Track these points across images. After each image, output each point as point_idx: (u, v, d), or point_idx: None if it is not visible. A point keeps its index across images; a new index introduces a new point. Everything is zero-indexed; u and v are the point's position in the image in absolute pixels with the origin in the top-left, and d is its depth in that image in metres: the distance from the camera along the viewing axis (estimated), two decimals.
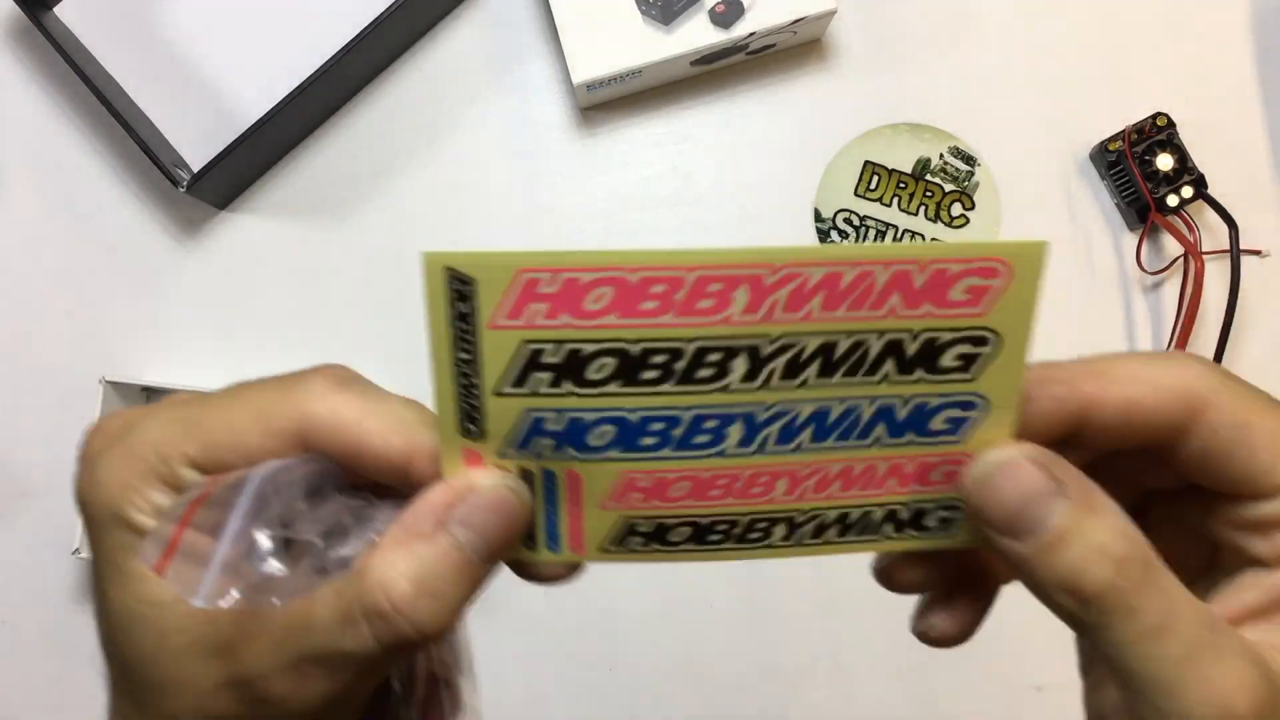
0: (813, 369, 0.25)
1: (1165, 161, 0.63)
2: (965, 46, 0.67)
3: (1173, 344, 0.63)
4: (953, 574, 0.29)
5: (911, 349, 0.25)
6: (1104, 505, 0.24)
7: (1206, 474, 0.25)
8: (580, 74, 0.61)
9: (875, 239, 0.65)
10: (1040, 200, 0.66)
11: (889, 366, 0.25)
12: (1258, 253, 0.65)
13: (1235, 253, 0.61)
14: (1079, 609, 0.24)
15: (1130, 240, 0.66)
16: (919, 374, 0.26)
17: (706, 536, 0.27)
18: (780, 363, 0.25)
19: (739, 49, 0.63)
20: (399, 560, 0.24)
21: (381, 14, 0.61)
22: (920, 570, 0.29)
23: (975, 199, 0.66)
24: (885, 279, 0.24)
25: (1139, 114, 0.64)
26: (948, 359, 0.26)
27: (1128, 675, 0.24)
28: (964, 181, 0.66)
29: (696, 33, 0.61)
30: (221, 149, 0.60)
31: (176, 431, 0.25)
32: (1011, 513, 0.24)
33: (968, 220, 0.66)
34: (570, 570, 0.28)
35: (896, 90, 0.66)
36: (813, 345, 0.25)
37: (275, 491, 0.25)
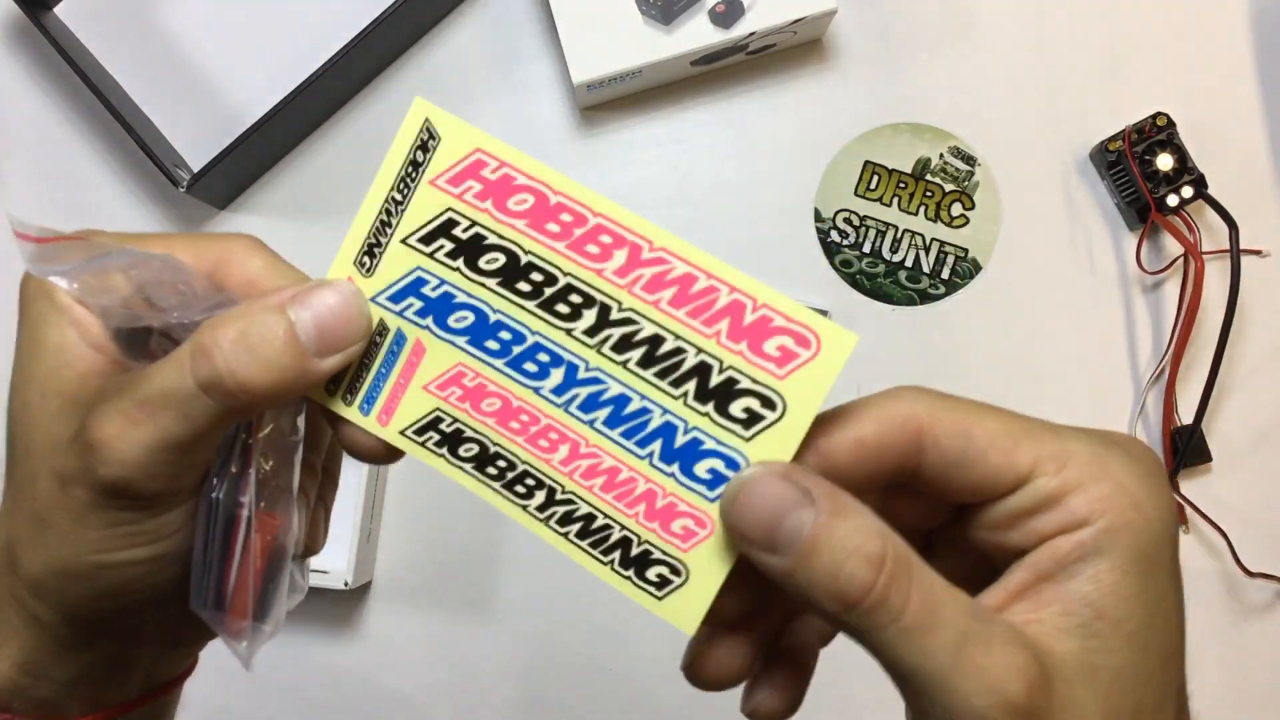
0: (637, 353, 0.28)
1: (1165, 161, 0.63)
2: (965, 46, 0.67)
3: (1173, 344, 0.63)
4: (765, 650, 0.29)
5: (715, 380, 0.27)
6: (853, 508, 0.24)
7: (950, 489, 0.26)
8: (580, 74, 0.61)
9: (875, 239, 0.65)
10: (1040, 200, 0.66)
11: (691, 385, 0.27)
12: (1258, 253, 0.64)
13: (1235, 253, 0.61)
14: (847, 614, 0.23)
15: (1130, 240, 0.66)
16: (710, 408, 0.27)
17: (487, 466, 0.29)
18: (618, 333, 0.28)
19: (739, 49, 0.63)
20: (234, 320, 0.27)
21: (381, 14, 0.61)
22: (731, 656, 0.28)
23: (975, 199, 0.66)
24: (725, 301, 0.27)
25: (1139, 114, 0.64)
26: (736, 408, 0.27)
27: (905, 675, 0.23)
28: (964, 181, 0.66)
29: (696, 33, 0.61)
30: (221, 149, 0.60)
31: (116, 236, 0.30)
32: (766, 526, 0.25)
33: (968, 220, 0.66)
34: (384, 452, 0.30)
35: (896, 90, 0.66)
36: (647, 331, 0.28)
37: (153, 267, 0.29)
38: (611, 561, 0.29)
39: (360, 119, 0.66)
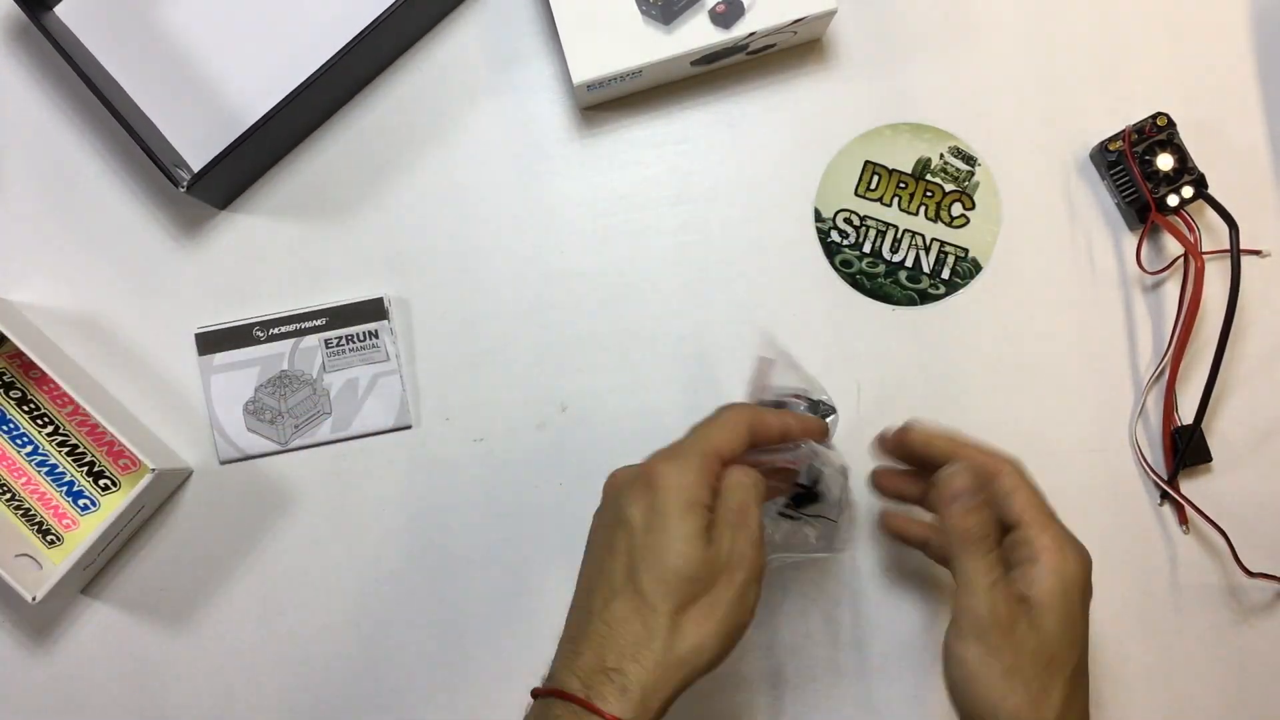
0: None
1: (1165, 161, 0.63)
2: (965, 46, 0.67)
3: (1173, 343, 0.63)
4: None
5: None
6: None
7: (996, 508, 0.51)
8: (580, 74, 0.61)
9: (876, 239, 0.65)
10: (1040, 200, 0.66)
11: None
12: (1258, 253, 0.64)
13: (1235, 253, 0.61)
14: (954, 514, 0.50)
15: (1130, 240, 0.66)
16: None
17: None
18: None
19: (739, 49, 0.63)
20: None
21: (382, 14, 0.61)
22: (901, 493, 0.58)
23: (975, 199, 0.66)
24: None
25: (1139, 114, 0.64)
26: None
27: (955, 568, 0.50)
28: (964, 181, 0.66)
29: (696, 33, 0.61)
30: (221, 149, 0.60)
31: (704, 445, 0.49)
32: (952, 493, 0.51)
33: (968, 220, 0.66)
34: None
35: (896, 90, 0.66)
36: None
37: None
38: None
39: (360, 119, 0.66)
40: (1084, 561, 0.49)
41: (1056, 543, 0.48)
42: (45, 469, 0.64)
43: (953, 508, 0.50)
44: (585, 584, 0.49)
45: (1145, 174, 0.63)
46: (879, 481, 0.59)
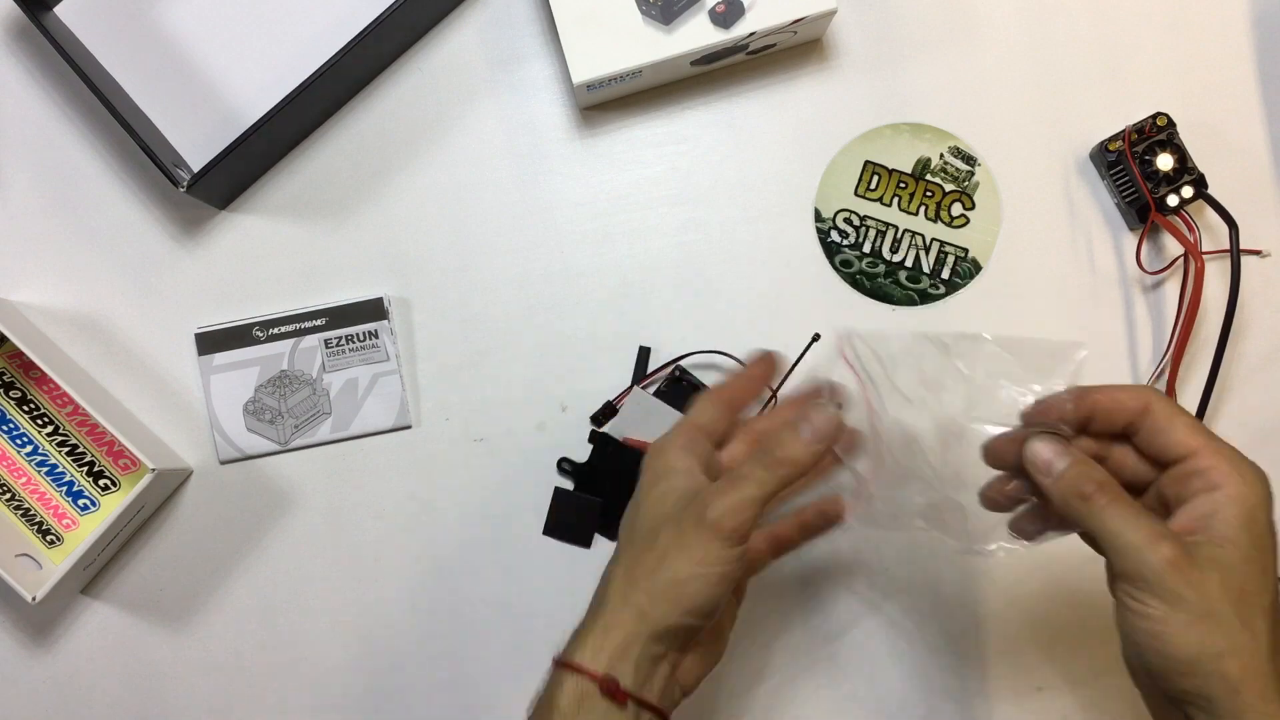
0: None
1: (1165, 161, 0.63)
2: (965, 46, 0.67)
3: (1173, 344, 0.63)
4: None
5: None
6: (1083, 462, 0.45)
7: (1150, 449, 0.45)
8: (580, 74, 0.61)
9: (876, 239, 0.65)
10: (1040, 200, 0.66)
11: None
12: (1258, 253, 0.64)
13: (1235, 253, 0.61)
14: (1078, 507, 0.44)
15: (1130, 240, 0.66)
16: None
17: None
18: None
19: (739, 49, 0.63)
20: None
21: (381, 14, 0.61)
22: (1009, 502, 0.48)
23: (975, 199, 0.66)
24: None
25: (1139, 114, 0.64)
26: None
27: (1109, 543, 0.43)
28: (964, 181, 0.66)
29: (696, 33, 0.61)
30: (221, 149, 0.60)
31: (690, 421, 0.52)
32: (1045, 463, 0.45)
33: (968, 220, 0.66)
34: None
35: (896, 90, 0.66)
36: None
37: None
38: None
39: (360, 119, 0.66)
40: (1265, 482, 0.44)
41: (1235, 467, 0.44)
42: (45, 469, 0.64)
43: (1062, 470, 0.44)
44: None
45: (1145, 174, 0.63)
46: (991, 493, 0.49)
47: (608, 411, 0.64)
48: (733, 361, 0.64)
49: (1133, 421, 0.45)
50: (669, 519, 0.48)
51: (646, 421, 0.63)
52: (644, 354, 0.64)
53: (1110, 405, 0.45)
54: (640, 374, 0.64)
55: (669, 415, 0.63)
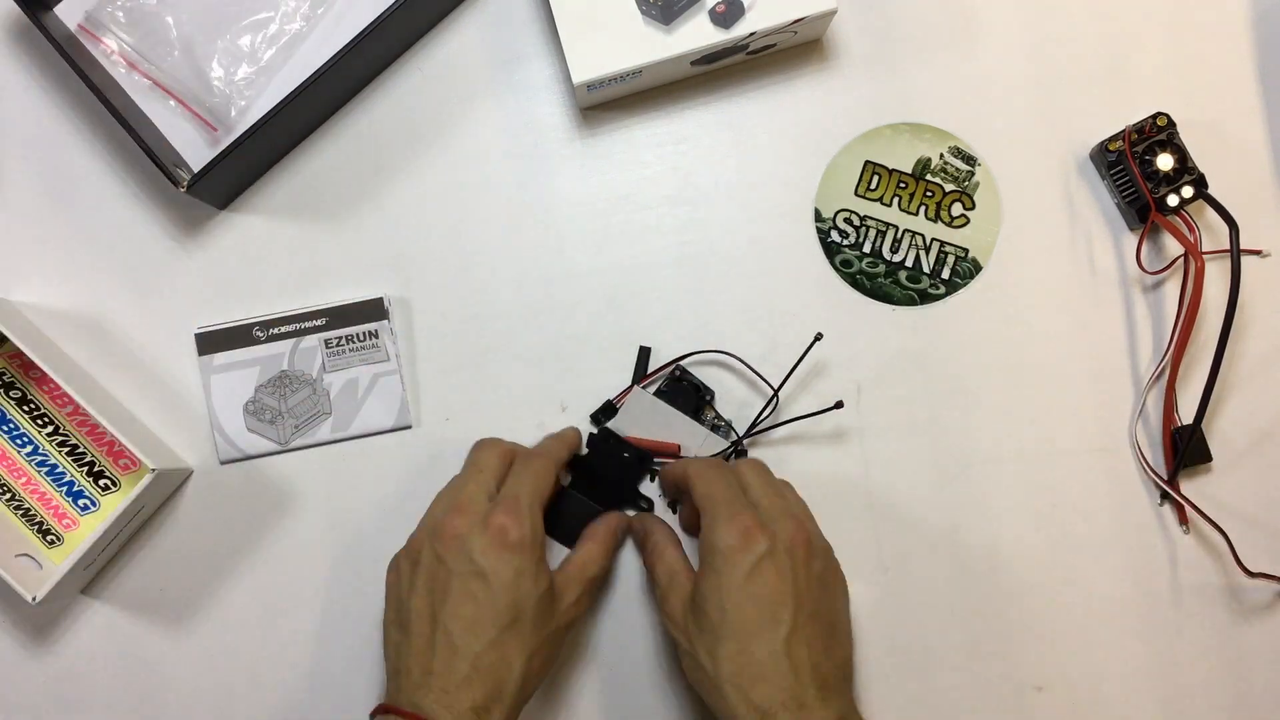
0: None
1: (1165, 161, 0.63)
2: (965, 46, 0.67)
3: (1173, 344, 0.63)
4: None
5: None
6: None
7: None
8: (580, 74, 0.61)
9: (876, 239, 0.65)
10: (1040, 200, 0.66)
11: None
12: (1258, 253, 0.64)
13: (1235, 253, 0.61)
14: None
15: (1130, 240, 0.66)
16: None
17: None
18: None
19: (739, 49, 0.63)
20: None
21: (382, 14, 0.61)
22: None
23: (975, 199, 0.66)
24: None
25: (1139, 114, 0.64)
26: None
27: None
28: (964, 181, 0.66)
29: (696, 33, 0.61)
30: (222, 149, 0.60)
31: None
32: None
33: (968, 220, 0.66)
34: None
35: (896, 90, 0.66)
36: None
37: None
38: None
39: (360, 119, 0.66)
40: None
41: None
42: (45, 469, 0.64)
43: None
44: None
45: (1145, 174, 0.63)
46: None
47: (607, 410, 0.64)
48: (736, 361, 0.64)
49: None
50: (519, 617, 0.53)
51: (646, 421, 0.63)
52: (644, 354, 0.64)
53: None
54: (640, 373, 0.64)
55: (669, 414, 0.63)
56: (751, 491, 0.56)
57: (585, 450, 0.64)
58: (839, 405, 0.62)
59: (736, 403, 0.64)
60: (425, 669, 0.51)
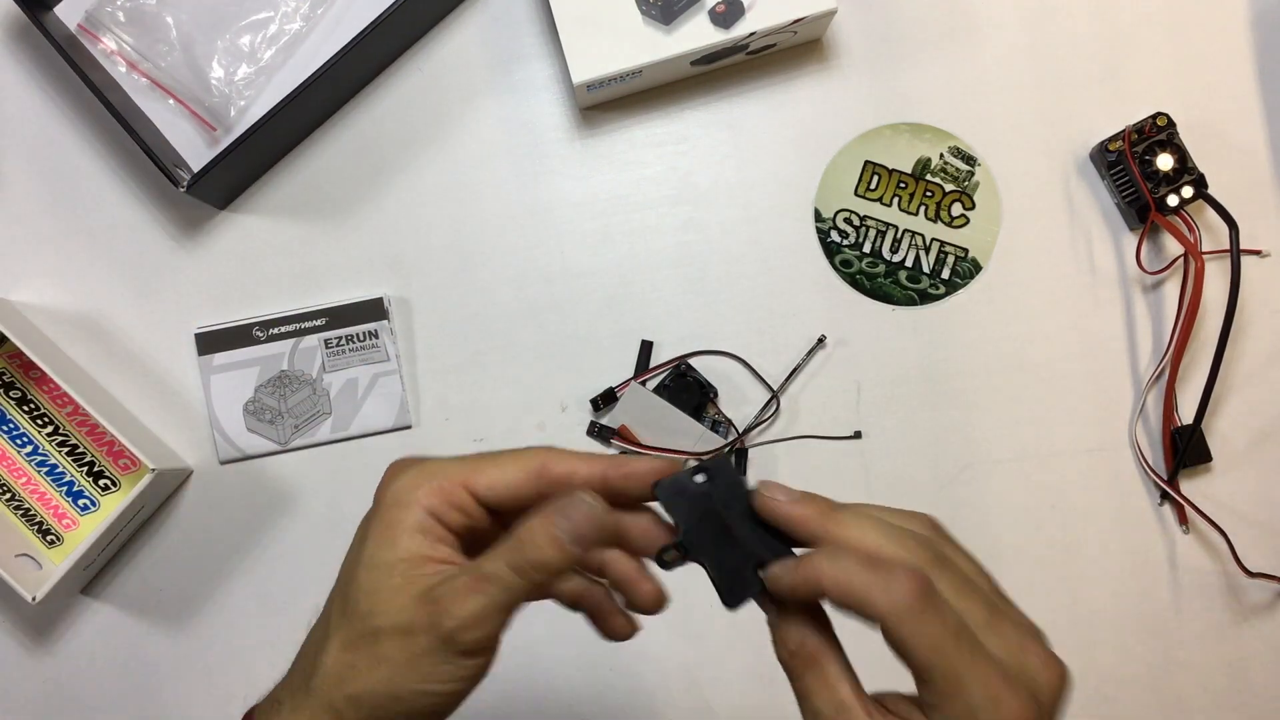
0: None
1: (1165, 161, 0.63)
2: (965, 46, 0.67)
3: (1173, 344, 0.63)
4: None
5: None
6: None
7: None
8: (580, 74, 0.61)
9: (876, 239, 0.65)
10: (1040, 200, 0.66)
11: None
12: (1258, 253, 0.65)
13: (1235, 253, 0.61)
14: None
15: (1130, 240, 0.66)
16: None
17: None
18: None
19: (739, 49, 0.63)
20: (531, 525, 0.39)
21: (381, 14, 0.61)
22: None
23: (975, 199, 0.66)
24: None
25: (1139, 114, 0.64)
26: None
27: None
28: (964, 181, 0.66)
29: (696, 33, 0.61)
30: (222, 149, 0.60)
31: (460, 466, 0.42)
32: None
33: (968, 220, 0.66)
34: None
35: (896, 90, 0.66)
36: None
37: None
38: None
39: (361, 118, 0.66)
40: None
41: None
42: (45, 469, 0.64)
43: None
44: None
45: (1145, 174, 0.63)
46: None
47: (608, 398, 0.64)
48: (738, 363, 0.64)
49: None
50: (395, 611, 0.39)
51: (644, 416, 0.63)
52: (646, 348, 0.64)
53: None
54: (642, 367, 0.64)
55: (665, 410, 0.63)
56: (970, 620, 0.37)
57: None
58: (857, 435, 0.62)
59: (737, 402, 0.64)
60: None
